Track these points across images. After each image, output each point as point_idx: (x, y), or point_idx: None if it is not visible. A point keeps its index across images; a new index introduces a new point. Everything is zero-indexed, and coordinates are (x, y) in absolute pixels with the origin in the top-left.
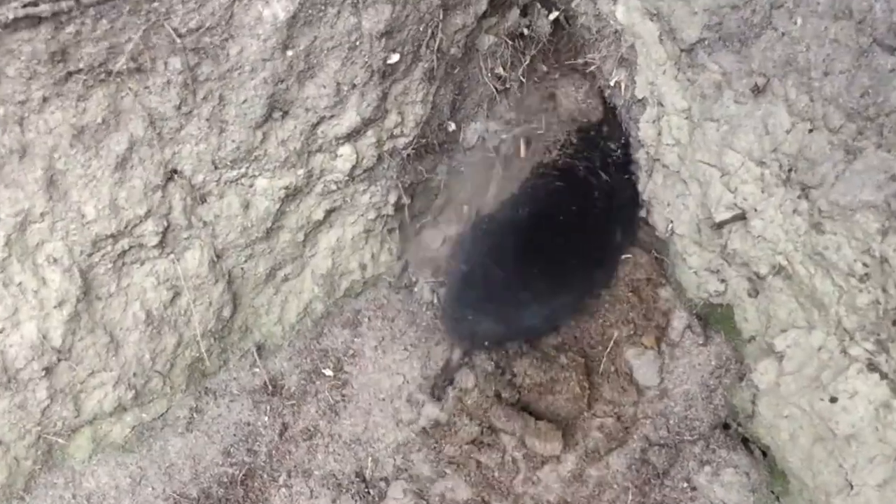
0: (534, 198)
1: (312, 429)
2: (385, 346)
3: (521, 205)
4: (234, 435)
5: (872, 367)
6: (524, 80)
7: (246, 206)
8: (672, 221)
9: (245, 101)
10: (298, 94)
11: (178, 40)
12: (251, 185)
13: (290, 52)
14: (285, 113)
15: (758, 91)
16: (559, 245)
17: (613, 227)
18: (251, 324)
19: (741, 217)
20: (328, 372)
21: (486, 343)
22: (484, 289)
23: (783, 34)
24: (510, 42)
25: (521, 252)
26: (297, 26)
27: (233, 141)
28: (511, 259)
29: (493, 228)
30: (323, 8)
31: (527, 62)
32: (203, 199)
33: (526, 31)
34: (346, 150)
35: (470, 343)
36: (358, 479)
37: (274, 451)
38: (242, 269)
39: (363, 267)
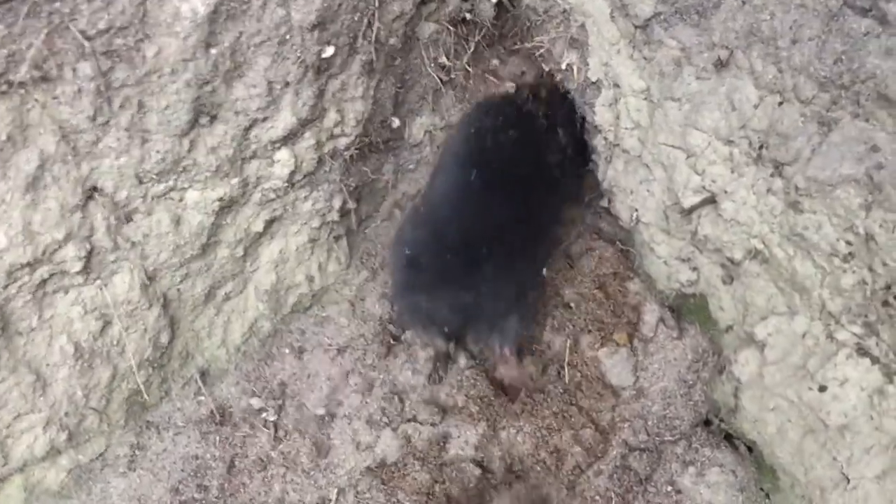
0: (479, 163)
1: (266, 458)
2: (339, 364)
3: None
4: (182, 470)
5: (862, 351)
6: (470, 69)
7: (177, 221)
8: (636, 210)
9: (167, 106)
10: (226, 96)
11: (87, 43)
12: (181, 199)
13: (213, 51)
14: (213, 117)
15: (721, 65)
16: (511, 213)
17: (568, 190)
18: (192, 349)
19: (711, 200)
20: (279, 395)
21: (446, 329)
22: (434, 270)
23: (744, 2)
24: (452, 29)
25: (471, 224)
26: (219, 21)
27: (157, 152)
28: (460, 234)
29: (434, 205)
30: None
31: (471, 49)
32: (129, 218)
33: (468, 16)
34: (283, 154)
35: (428, 331)
36: None
37: (226, 485)
38: (178, 290)
39: (310, 279)
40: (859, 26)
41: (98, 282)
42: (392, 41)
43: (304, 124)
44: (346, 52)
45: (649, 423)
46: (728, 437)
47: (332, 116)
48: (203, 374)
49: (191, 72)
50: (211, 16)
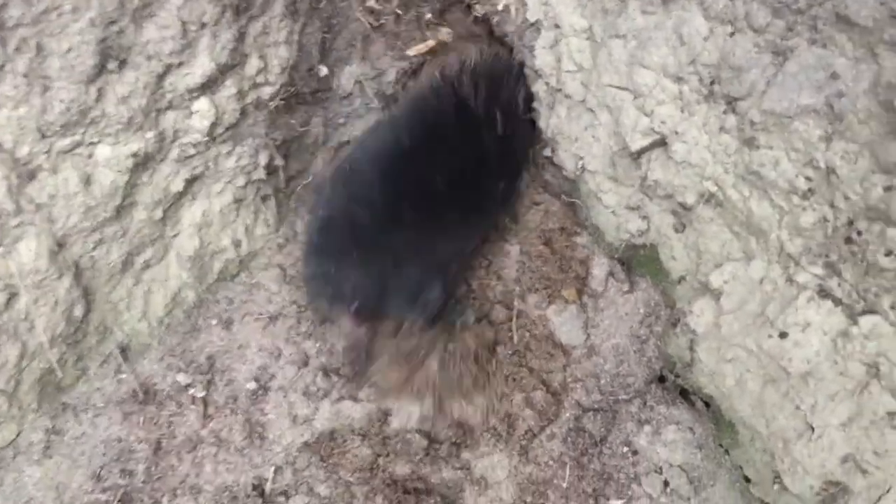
0: (410, 125)
1: (195, 438)
2: (271, 334)
3: (395, 133)
4: (104, 455)
5: (824, 293)
6: (400, 14)
7: (87, 180)
8: (582, 158)
9: (70, 49)
10: (136, 38)
11: None
12: (91, 155)
13: None
14: (123, 62)
15: None
16: (442, 177)
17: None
18: (111, 322)
19: (660, 143)
20: (207, 369)
21: (355, 305)
22: (349, 237)
23: None
24: None
25: (396, 188)
26: None
27: (61, 101)
28: (383, 197)
29: (360, 164)
30: None
31: None
32: (32, 176)
33: None
34: (202, 104)
35: (332, 305)
36: (255, 494)
37: (153, 469)
38: (92, 258)
39: (237, 244)
40: None
41: (0, 250)
42: None
43: (223, 71)
44: None
45: (602, 382)
46: (684, 393)
47: (254, 63)
48: (123, 349)
49: (95, 9)
50: None
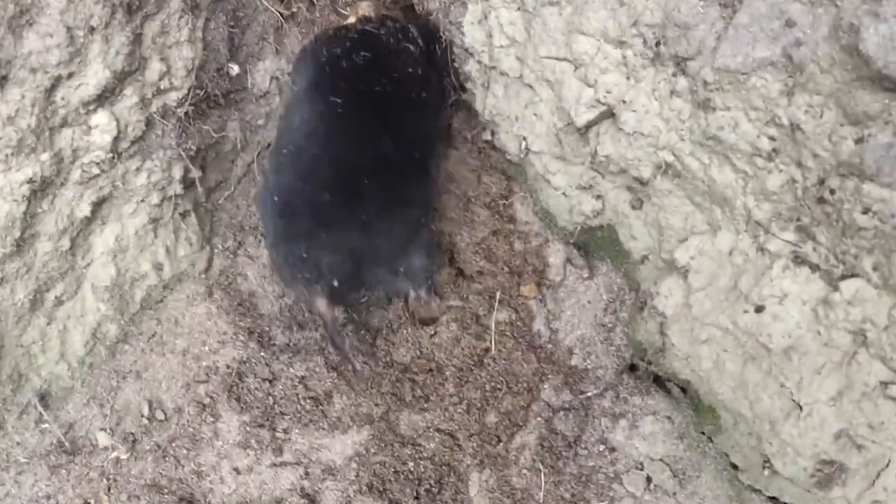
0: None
1: (132, 489)
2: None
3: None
4: None
5: (799, 259)
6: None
7: None
8: (525, 138)
9: None
10: (16, 49)
11: None
12: None
13: None
14: (3, 79)
15: None
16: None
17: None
18: (25, 368)
19: (608, 114)
20: (142, 410)
21: (336, 283)
22: (310, 218)
23: None
24: None
25: (344, 157)
26: None
27: None
28: (334, 169)
29: (298, 143)
30: None
31: None
32: None
33: None
34: (100, 118)
35: (310, 288)
36: None
37: None
38: None
39: (158, 267)
40: None
41: None
42: None
43: (121, 78)
44: None
45: (570, 378)
46: (658, 381)
47: (155, 67)
48: (43, 397)
49: None
50: None
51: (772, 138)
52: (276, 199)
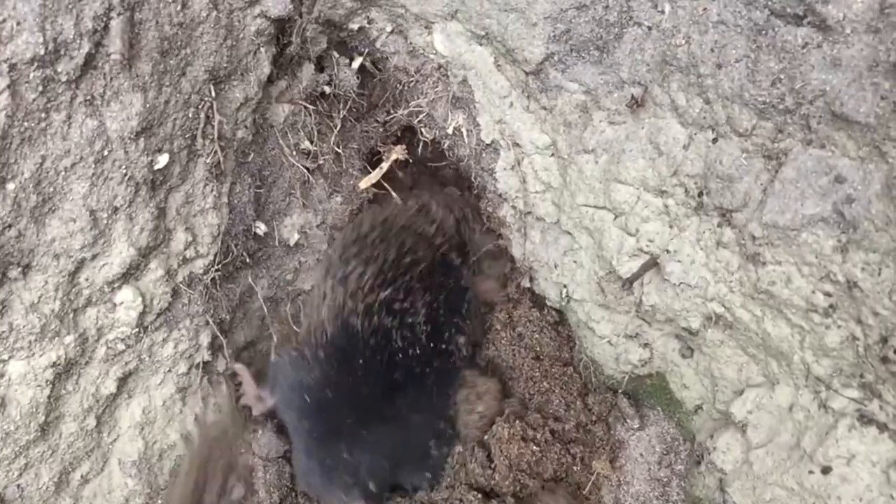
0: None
1: None
2: None
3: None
4: None
5: (865, 419)
6: (340, 151)
7: (1, 404)
8: (565, 286)
9: None
10: (39, 237)
11: None
12: (2, 375)
13: (10, 186)
14: (26, 268)
15: (636, 104)
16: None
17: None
18: None
19: (652, 264)
20: None
21: (373, 486)
22: (350, 412)
23: (650, 28)
24: (311, 107)
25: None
26: (11, 148)
27: None
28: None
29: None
30: (45, 115)
31: (338, 127)
32: None
33: (328, 90)
34: (125, 294)
35: (350, 493)
36: None
37: None
38: (19, 486)
39: (188, 437)
40: (795, 38)
41: None
42: (240, 134)
43: (145, 254)
44: (184, 157)
45: None
46: None
47: (180, 237)
48: None
49: None
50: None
51: (828, 294)
52: (305, 397)
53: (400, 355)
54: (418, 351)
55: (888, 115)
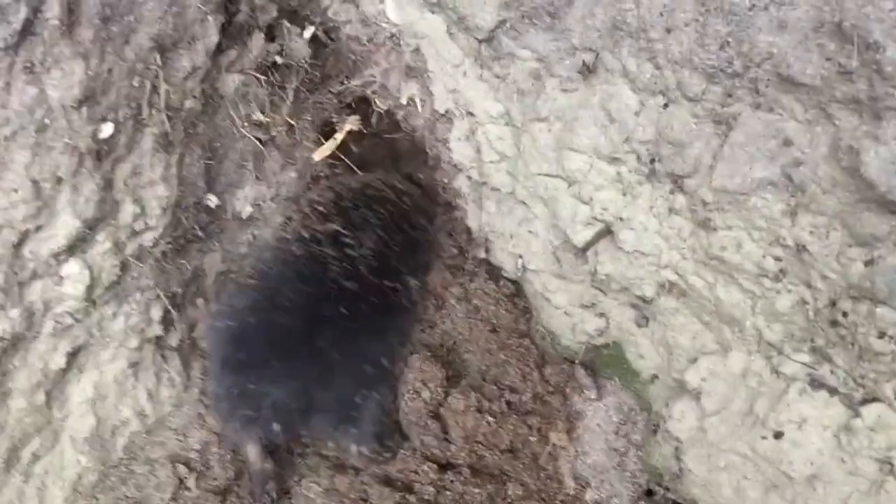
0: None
1: None
2: None
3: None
4: None
5: (816, 383)
6: (293, 122)
7: None
8: (521, 256)
9: None
10: None
11: None
12: None
13: None
14: None
15: (588, 71)
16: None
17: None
18: None
19: (606, 232)
20: None
21: (275, 426)
22: (266, 345)
23: None
24: (262, 77)
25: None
26: None
27: None
28: (297, 296)
29: (268, 267)
30: None
31: (290, 98)
32: None
33: (279, 60)
34: (72, 267)
35: (255, 426)
36: None
37: None
38: None
39: (141, 413)
40: (742, 0)
41: None
42: (189, 104)
43: (92, 226)
44: (130, 127)
45: None
46: None
47: (128, 209)
48: None
49: None
50: None
51: (777, 259)
52: (229, 322)
53: (335, 287)
54: (356, 286)
55: (833, 77)
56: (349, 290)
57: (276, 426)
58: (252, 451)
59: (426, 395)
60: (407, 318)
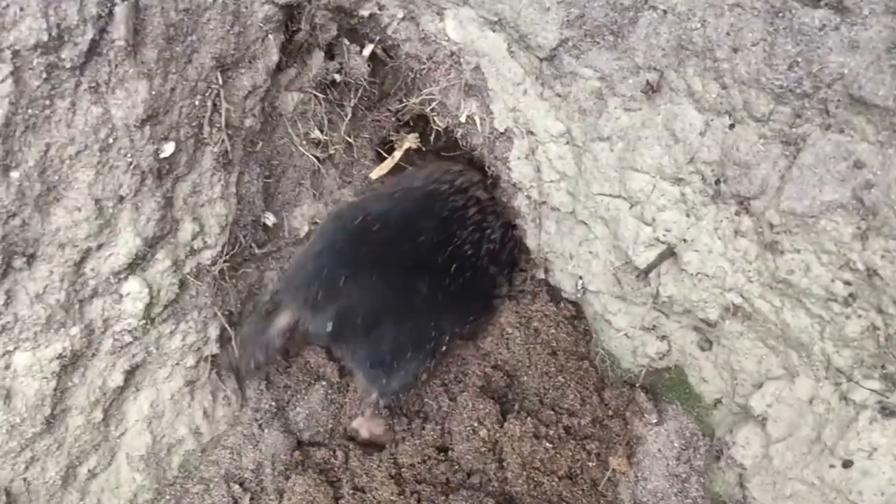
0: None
1: None
2: None
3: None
4: None
5: (887, 410)
6: (351, 140)
7: (6, 395)
8: (581, 277)
9: None
10: (44, 227)
11: None
12: (7, 367)
13: (14, 174)
14: (31, 258)
15: (651, 90)
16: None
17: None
18: None
19: (669, 254)
20: None
21: (330, 326)
22: (373, 261)
23: (665, 12)
24: (321, 95)
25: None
26: (15, 136)
27: None
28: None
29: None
30: (49, 103)
31: (348, 116)
32: None
33: (338, 78)
34: (131, 285)
35: (310, 311)
36: None
37: None
38: (25, 480)
39: (196, 432)
40: (812, 20)
41: None
42: (248, 122)
43: (152, 244)
44: (191, 145)
45: None
46: None
47: (187, 227)
48: None
49: None
50: (3, 130)
51: (847, 283)
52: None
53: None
54: (473, 262)
55: None
56: (467, 260)
57: (329, 326)
58: (282, 320)
59: (483, 433)
60: (488, 309)
